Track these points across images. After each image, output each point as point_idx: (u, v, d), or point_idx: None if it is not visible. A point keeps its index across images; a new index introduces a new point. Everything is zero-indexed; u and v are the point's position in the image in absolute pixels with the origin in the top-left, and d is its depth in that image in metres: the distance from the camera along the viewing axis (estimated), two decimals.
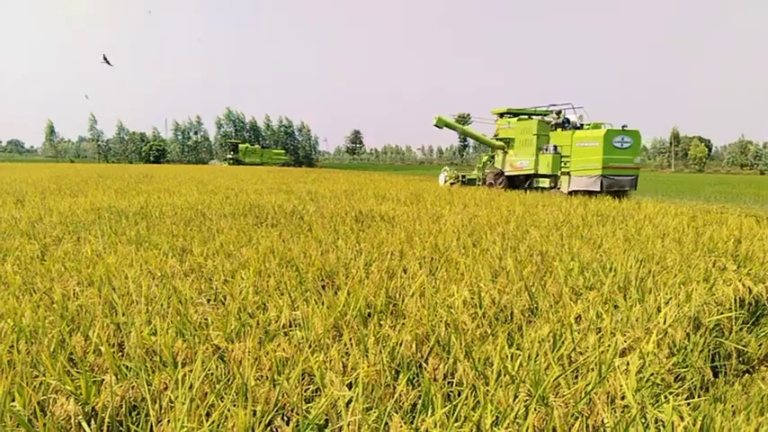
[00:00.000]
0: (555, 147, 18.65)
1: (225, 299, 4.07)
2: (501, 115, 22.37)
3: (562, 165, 18.35)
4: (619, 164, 16.96)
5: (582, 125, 18.79)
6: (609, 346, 3.18)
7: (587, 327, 3.52)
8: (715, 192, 25.42)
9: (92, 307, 3.72)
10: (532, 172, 19.65)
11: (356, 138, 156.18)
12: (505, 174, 21.10)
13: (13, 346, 3.04)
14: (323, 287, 4.52)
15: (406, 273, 4.90)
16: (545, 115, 20.73)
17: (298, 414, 2.45)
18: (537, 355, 3.02)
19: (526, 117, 21.25)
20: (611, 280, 4.68)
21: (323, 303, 3.84)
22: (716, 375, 3.39)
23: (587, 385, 2.74)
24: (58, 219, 8.06)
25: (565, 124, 19.10)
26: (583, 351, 3.21)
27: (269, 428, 2.37)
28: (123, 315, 3.57)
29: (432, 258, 5.42)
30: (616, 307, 4.09)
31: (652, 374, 2.95)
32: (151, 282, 4.34)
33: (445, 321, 3.44)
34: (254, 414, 2.36)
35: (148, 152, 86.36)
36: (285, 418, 2.47)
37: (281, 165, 73.77)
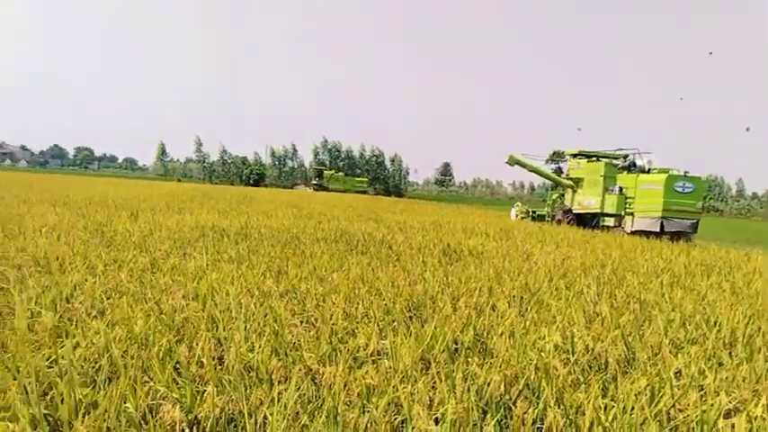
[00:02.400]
0: (620, 188, 19.83)
1: (316, 321, 4.21)
2: (574, 156, 23.69)
3: (626, 205, 19.52)
4: (679, 207, 17.82)
5: (649, 170, 19.74)
6: (712, 405, 2.99)
7: (688, 383, 3.33)
8: None
9: (196, 320, 3.96)
10: (599, 211, 20.83)
11: (446, 170, 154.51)
12: (573, 211, 22.35)
13: (126, 351, 3.30)
14: (410, 318, 4.56)
15: (494, 311, 4.85)
16: (614, 159, 22.16)
17: None
18: (632, 409, 2.89)
19: (595, 159, 22.61)
20: (716, 335, 4.41)
21: (410, 335, 3.88)
22: None
23: None
24: (167, 234, 8.65)
25: (631, 167, 20.33)
26: (683, 408, 3.04)
27: None
28: (224, 330, 3.78)
29: (521, 298, 5.34)
30: (721, 364, 3.84)
31: None
32: (249, 300, 4.57)
33: (535, 364, 3.37)
34: None
35: (249, 175, 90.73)
36: None
37: (362, 192, 73.37)
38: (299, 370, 3.15)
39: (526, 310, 4.93)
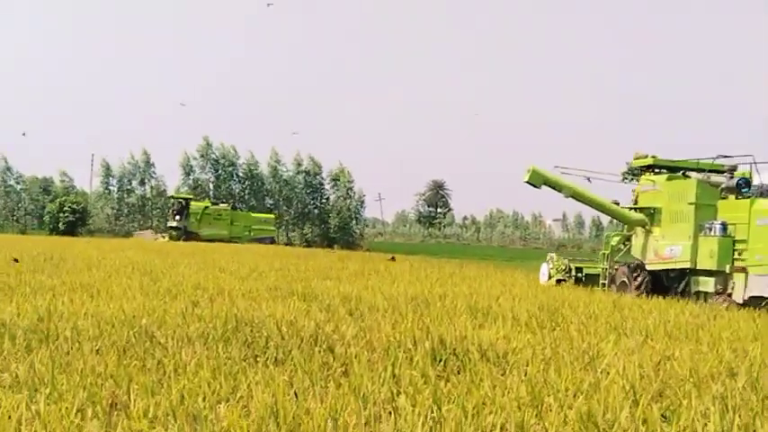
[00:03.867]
0: (724, 225, 12.45)
1: None
2: (645, 169, 15.80)
3: (736, 255, 12.21)
4: None
5: None
6: None
7: None
8: None
9: None
10: (688, 266, 13.29)
11: (437, 196, 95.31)
12: (647, 267, 14.46)
13: None
14: None
15: None
16: (713, 172, 14.24)
17: None
18: None
19: (681, 174, 14.75)
20: None
21: None
22: None
23: None
24: None
25: (742, 188, 12.80)
26: None
27: None
28: None
29: None
30: None
31: None
32: None
33: None
34: None
35: (57, 215, 51.28)
36: None
37: (266, 240, 46.21)
38: None
39: None
